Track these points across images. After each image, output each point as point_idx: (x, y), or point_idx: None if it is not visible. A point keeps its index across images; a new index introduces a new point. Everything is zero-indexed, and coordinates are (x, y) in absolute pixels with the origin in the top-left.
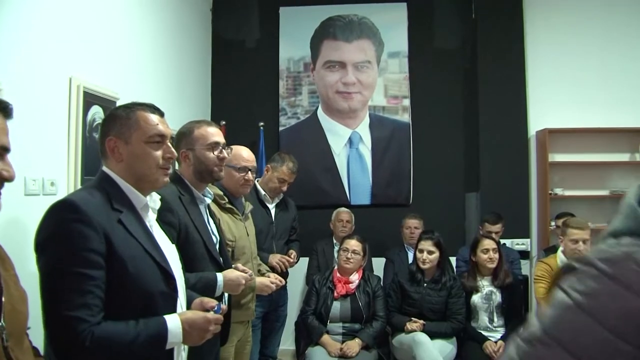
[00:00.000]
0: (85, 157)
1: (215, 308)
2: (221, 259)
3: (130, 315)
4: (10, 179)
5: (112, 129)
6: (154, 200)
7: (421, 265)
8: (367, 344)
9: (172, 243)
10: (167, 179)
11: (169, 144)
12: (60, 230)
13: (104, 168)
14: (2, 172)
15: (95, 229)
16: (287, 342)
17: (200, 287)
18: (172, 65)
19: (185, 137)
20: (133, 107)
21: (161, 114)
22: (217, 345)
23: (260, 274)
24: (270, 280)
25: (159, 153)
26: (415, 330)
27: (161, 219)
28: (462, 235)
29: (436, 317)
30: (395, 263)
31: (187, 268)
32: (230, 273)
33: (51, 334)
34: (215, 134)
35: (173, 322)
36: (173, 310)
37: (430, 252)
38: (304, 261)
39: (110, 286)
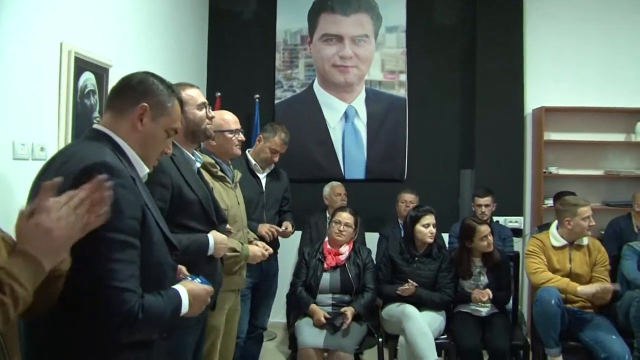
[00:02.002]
0: (76, 123)
1: (199, 279)
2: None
3: (146, 286)
4: None
5: (151, 98)
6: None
7: (428, 240)
8: (358, 312)
9: (165, 204)
10: (152, 169)
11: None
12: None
13: (107, 130)
14: None
15: (135, 194)
16: (278, 315)
17: (194, 249)
18: (167, 35)
19: None
20: (174, 91)
21: (183, 109)
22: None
23: (249, 242)
24: (261, 248)
25: (164, 144)
26: (408, 289)
27: (154, 180)
28: (455, 212)
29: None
30: (389, 239)
31: (181, 227)
32: (218, 235)
33: (100, 307)
34: (200, 94)
35: (183, 293)
36: (175, 281)
37: (434, 226)
38: (297, 234)
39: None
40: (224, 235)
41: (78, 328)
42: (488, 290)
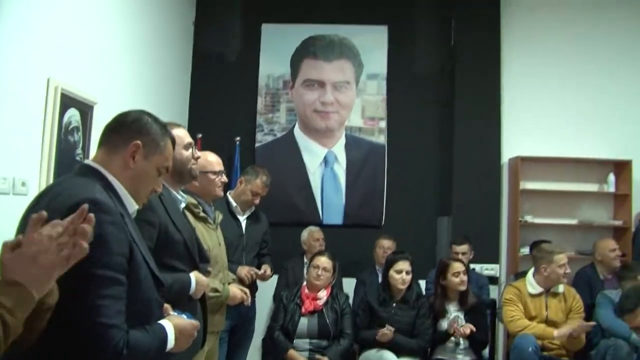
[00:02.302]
0: (59, 159)
1: (185, 315)
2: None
3: (132, 322)
4: None
5: (144, 136)
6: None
7: (399, 286)
8: None
9: (152, 243)
10: (141, 206)
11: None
12: (98, 232)
13: (98, 166)
14: None
15: (124, 232)
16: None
17: (177, 289)
18: (151, 75)
19: None
20: (167, 131)
21: (175, 148)
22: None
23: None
24: (241, 289)
25: (155, 182)
26: (387, 334)
27: (142, 218)
28: (432, 259)
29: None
30: (366, 285)
31: (165, 267)
32: (200, 276)
33: (85, 342)
34: (187, 135)
35: (169, 328)
36: (161, 317)
37: (407, 273)
38: (274, 279)
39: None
40: (204, 277)
41: None
42: (470, 325)
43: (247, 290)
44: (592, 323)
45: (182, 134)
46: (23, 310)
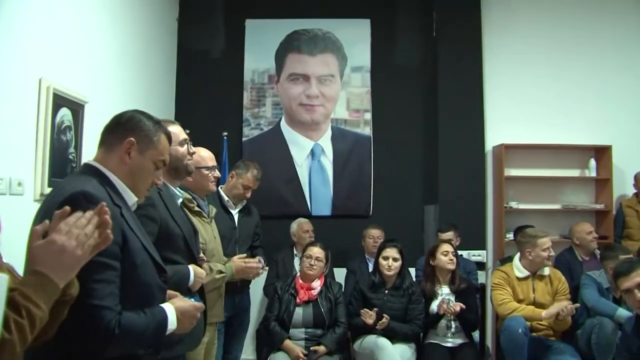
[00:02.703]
0: (53, 158)
1: (194, 299)
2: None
3: (131, 305)
4: None
5: (137, 133)
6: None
7: (386, 272)
8: (330, 349)
9: (154, 238)
10: (143, 199)
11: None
12: None
13: (96, 164)
14: None
15: (115, 221)
16: (247, 351)
17: (176, 280)
18: (138, 73)
19: None
20: (160, 126)
21: (171, 143)
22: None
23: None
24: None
25: (153, 176)
26: (381, 322)
27: (144, 214)
28: (420, 247)
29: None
30: (356, 274)
31: (165, 260)
32: (197, 269)
33: (79, 323)
34: (182, 131)
35: (169, 310)
36: (164, 301)
37: (394, 259)
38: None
39: (121, 276)
40: (202, 270)
41: (59, 347)
42: (459, 303)
43: (252, 260)
44: (577, 305)
45: (177, 131)
46: (48, 300)
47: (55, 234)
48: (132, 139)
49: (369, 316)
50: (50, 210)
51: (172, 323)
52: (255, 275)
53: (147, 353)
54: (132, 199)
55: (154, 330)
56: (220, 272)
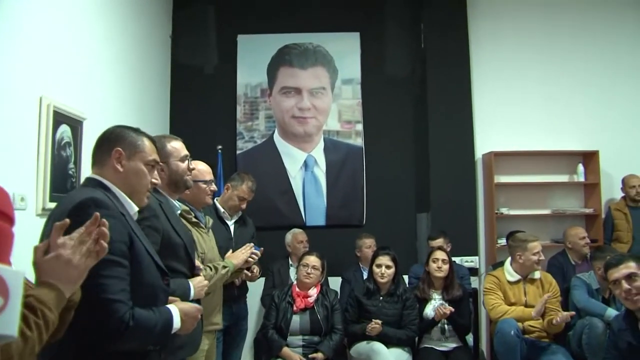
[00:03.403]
0: (54, 173)
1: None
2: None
3: (138, 305)
4: None
5: (121, 143)
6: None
7: (379, 279)
8: (328, 356)
9: (157, 246)
10: (146, 200)
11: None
12: None
13: (98, 177)
14: None
15: (122, 223)
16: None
17: (179, 294)
18: (133, 89)
19: (159, 151)
20: (140, 133)
21: (156, 146)
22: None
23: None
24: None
25: (150, 177)
26: (376, 327)
27: (149, 225)
28: (414, 254)
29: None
30: (351, 282)
31: (168, 268)
32: (194, 280)
33: (94, 317)
34: (183, 147)
35: (174, 311)
36: (167, 303)
37: (387, 267)
38: (260, 282)
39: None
40: (200, 277)
41: (73, 344)
42: (450, 307)
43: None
44: (572, 313)
45: (179, 147)
46: (58, 307)
47: (62, 249)
48: (118, 148)
49: (375, 330)
50: (58, 219)
51: (176, 323)
52: (252, 261)
53: (154, 350)
54: (133, 209)
55: (161, 327)
56: (224, 267)
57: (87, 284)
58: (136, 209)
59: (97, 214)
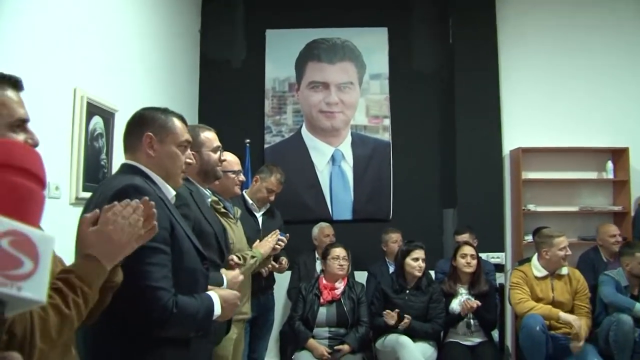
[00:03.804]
0: (87, 164)
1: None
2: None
3: (179, 290)
4: (35, 145)
5: (151, 126)
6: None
7: (416, 273)
8: (353, 348)
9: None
10: (182, 181)
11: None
12: None
13: (134, 163)
14: (27, 140)
15: (163, 209)
16: (270, 353)
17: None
18: (163, 83)
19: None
20: (169, 113)
21: (187, 125)
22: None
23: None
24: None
25: (183, 157)
26: (403, 322)
27: (180, 213)
28: (440, 250)
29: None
30: (377, 277)
31: None
32: (229, 273)
33: (137, 305)
34: (216, 138)
35: (215, 298)
36: (206, 286)
37: (423, 260)
38: (287, 275)
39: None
40: (236, 272)
41: (118, 331)
42: (476, 301)
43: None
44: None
45: (211, 137)
46: (98, 282)
47: (104, 224)
48: (149, 133)
49: (390, 317)
50: (99, 204)
51: (217, 309)
52: (279, 247)
53: (197, 336)
54: (170, 193)
55: (204, 314)
56: (252, 256)
57: (131, 271)
58: (173, 193)
59: (146, 197)
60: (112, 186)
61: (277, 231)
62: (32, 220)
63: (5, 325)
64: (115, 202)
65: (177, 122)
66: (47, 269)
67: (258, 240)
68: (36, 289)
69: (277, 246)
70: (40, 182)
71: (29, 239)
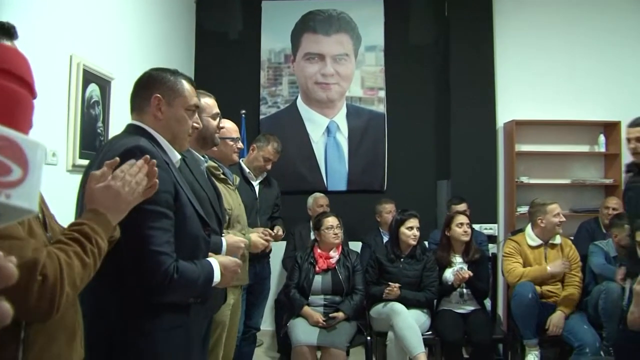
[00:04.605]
0: (83, 131)
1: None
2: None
3: (180, 255)
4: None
5: (159, 88)
6: None
7: (411, 242)
8: (348, 315)
9: None
10: (188, 145)
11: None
12: None
13: (140, 123)
14: None
15: (168, 173)
16: (265, 322)
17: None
18: (158, 52)
19: None
20: (178, 75)
21: (195, 88)
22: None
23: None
24: (260, 236)
25: (190, 122)
26: (394, 292)
27: None
28: (433, 220)
29: (412, 290)
30: (371, 247)
31: None
32: (231, 237)
33: (138, 268)
34: (215, 105)
35: (215, 264)
36: (207, 253)
37: (417, 229)
38: (282, 244)
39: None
40: (238, 237)
41: (117, 293)
42: (469, 271)
43: (268, 238)
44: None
45: (211, 103)
46: (106, 235)
47: (112, 180)
48: (157, 94)
49: (393, 294)
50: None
51: (217, 276)
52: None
53: (195, 302)
54: (175, 156)
55: (204, 280)
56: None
57: (133, 234)
58: (179, 156)
59: (148, 156)
60: (120, 145)
61: (270, 231)
62: (21, 127)
63: None
64: (117, 158)
65: (186, 85)
66: (38, 178)
67: (255, 213)
68: (26, 198)
69: (264, 246)
70: (29, 87)
71: (17, 144)
